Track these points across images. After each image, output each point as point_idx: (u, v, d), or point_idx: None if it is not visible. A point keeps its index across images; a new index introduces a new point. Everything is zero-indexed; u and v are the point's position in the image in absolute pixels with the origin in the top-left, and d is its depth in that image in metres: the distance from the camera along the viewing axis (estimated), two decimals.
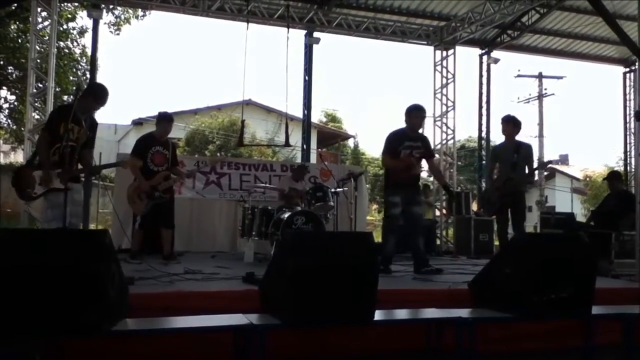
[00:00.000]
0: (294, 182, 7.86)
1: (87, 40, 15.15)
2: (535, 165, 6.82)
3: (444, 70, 11.88)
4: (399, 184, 5.83)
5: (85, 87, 5.14)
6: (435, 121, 12.07)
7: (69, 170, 4.60)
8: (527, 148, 6.57)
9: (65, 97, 13.72)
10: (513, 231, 6.49)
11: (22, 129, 13.16)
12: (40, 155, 4.71)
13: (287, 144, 9.04)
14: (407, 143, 5.82)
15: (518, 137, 6.63)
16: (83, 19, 15.24)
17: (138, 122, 22.95)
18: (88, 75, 13.27)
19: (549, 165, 7.16)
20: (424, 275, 5.57)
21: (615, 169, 17.32)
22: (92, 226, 10.21)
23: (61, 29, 13.73)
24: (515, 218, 6.38)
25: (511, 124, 6.52)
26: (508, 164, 6.42)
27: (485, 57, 12.92)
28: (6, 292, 2.76)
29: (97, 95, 4.82)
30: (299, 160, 12.63)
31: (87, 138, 4.79)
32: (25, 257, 2.81)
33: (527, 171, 6.51)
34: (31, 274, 2.79)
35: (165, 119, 6.38)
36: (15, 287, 2.77)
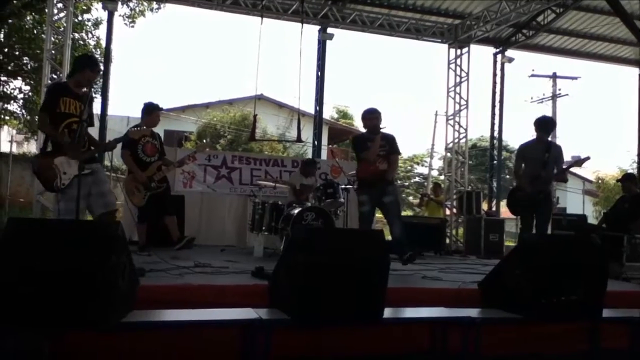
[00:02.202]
0: (303, 177, 7.85)
1: (101, 32, 15.24)
2: (567, 163, 6.65)
3: (458, 68, 11.82)
4: (364, 182, 6.17)
5: (75, 62, 4.98)
6: (447, 120, 12.03)
7: (83, 150, 4.48)
8: (558, 148, 6.40)
9: None
10: (536, 230, 6.34)
11: (36, 119, 13.26)
12: (50, 134, 4.54)
13: (298, 139, 9.03)
14: (368, 144, 6.09)
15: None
16: (98, 11, 15.33)
17: None
18: (102, 67, 13.32)
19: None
20: (407, 262, 5.89)
21: (629, 171, 17.16)
22: None
23: (76, 20, 13.81)
24: (540, 218, 6.21)
25: (544, 127, 6.37)
26: (538, 162, 6.22)
27: (499, 56, 12.86)
28: (17, 282, 2.79)
29: (93, 65, 4.74)
30: (309, 156, 12.62)
31: (87, 116, 4.61)
32: (37, 247, 2.83)
33: (555, 171, 6.40)
34: (42, 265, 2.81)
35: (155, 109, 6.34)
36: (25, 277, 2.79)
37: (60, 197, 4.50)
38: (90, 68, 4.70)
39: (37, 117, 12.84)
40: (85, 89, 4.72)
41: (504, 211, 10.81)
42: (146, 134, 6.06)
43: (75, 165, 4.42)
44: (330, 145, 22.45)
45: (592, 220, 14.29)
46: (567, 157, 7.12)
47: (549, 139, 6.53)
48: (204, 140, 18.60)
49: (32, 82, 14.98)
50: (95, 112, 4.85)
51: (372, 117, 6.20)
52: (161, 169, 6.26)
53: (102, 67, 4.87)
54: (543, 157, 6.22)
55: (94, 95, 5.53)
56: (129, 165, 6.22)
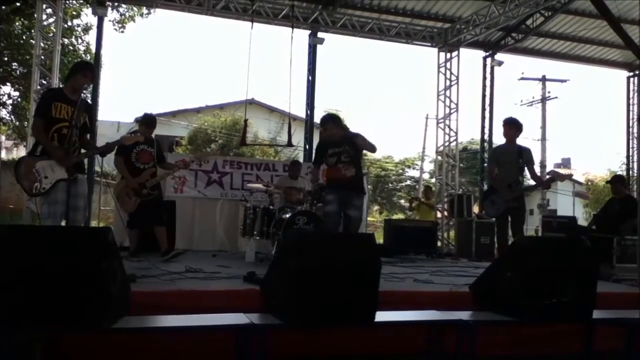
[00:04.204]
0: (291, 180, 7.88)
1: (91, 37, 15.18)
2: (552, 172, 6.78)
3: (448, 72, 11.89)
4: (332, 185, 5.92)
5: (70, 68, 5.02)
6: (438, 123, 12.09)
7: (71, 155, 4.45)
8: (529, 152, 6.53)
9: None
10: (512, 234, 6.44)
11: (25, 125, 13.20)
12: (42, 141, 4.54)
13: (289, 143, 9.05)
14: (330, 150, 5.88)
15: (518, 140, 6.60)
16: (88, 16, 15.32)
17: None
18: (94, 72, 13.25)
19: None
20: None
21: (618, 173, 17.30)
22: (93, 223, 10.22)
23: (66, 25, 13.75)
24: (516, 221, 6.32)
25: (513, 127, 6.48)
26: (514, 168, 6.35)
27: (489, 60, 12.92)
28: (9, 287, 2.77)
29: (83, 69, 4.74)
30: (301, 160, 12.64)
31: (84, 122, 4.64)
32: (28, 253, 2.82)
33: (528, 174, 6.47)
34: (34, 270, 2.79)
35: (149, 124, 6.43)
36: (17, 282, 2.78)
37: (43, 201, 4.51)
38: (82, 73, 4.70)
39: (26, 123, 12.79)
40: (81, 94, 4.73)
41: None
42: (140, 141, 6.05)
43: (60, 170, 4.42)
44: None
45: (582, 222, 14.37)
46: (556, 159, 7.27)
47: (517, 141, 6.55)
48: (207, 149, 18.65)
49: (21, 87, 14.91)
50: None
51: (324, 128, 5.94)
52: (155, 175, 6.23)
53: (94, 72, 4.86)
54: (518, 163, 6.34)
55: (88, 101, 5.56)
56: (120, 171, 6.24)
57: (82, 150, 4.74)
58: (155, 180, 6.22)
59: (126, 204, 6.15)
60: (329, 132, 5.88)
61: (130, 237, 6.36)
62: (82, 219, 4.74)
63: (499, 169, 6.51)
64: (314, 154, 6.03)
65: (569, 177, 7.04)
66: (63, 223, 4.43)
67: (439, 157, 12.27)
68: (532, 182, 7.08)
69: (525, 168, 6.52)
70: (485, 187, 13.37)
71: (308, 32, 11.27)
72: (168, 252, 6.16)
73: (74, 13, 14.74)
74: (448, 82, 11.90)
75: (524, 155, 6.41)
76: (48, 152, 4.46)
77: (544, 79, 25.78)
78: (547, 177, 6.81)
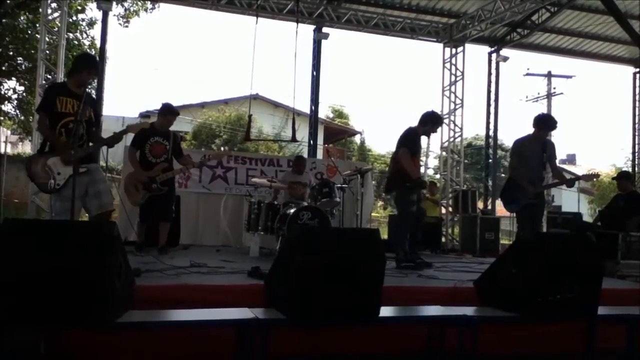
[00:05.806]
0: (296, 175, 7.87)
1: (96, 32, 15.21)
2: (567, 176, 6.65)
3: (453, 67, 11.83)
4: (417, 182, 6.14)
5: (74, 62, 4.99)
6: (443, 118, 12.02)
7: (77, 149, 4.43)
8: (552, 146, 6.36)
9: None
10: (531, 229, 6.29)
11: (30, 119, 13.24)
12: (47, 137, 4.55)
13: (293, 139, 9.03)
14: (419, 143, 6.28)
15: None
16: (92, 11, 15.32)
17: (145, 115, 23.02)
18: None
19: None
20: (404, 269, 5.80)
21: (624, 169, 17.23)
22: None
23: (71, 20, 13.77)
24: (536, 217, 6.18)
25: (545, 125, 6.32)
26: (537, 162, 6.17)
27: (494, 55, 12.87)
28: (13, 282, 2.78)
29: (88, 67, 4.73)
30: (305, 155, 12.64)
31: (90, 116, 4.66)
32: (33, 247, 2.82)
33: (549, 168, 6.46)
34: (38, 265, 2.80)
35: (169, 112, 6.31)
36: (21, 277, 2.79)
37: (55, 197, 4.50)
38: (88, 70, 4.70)
39: (31, 117, 12.84)
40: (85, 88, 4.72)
41: (500, 209, 10.83)
42: (145, 127, 5.99)
43: (71, 164, 4.41)
44: (326, 145, 22.46)
45: (587, 218, 14.33)
46: (561, 155, 7.16)
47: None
48: (223, 148, 18.71)
49: (26, 82, 14.93)
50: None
51: (438, 125, 6.36)
52: (168, 170, 6.17)
53: (98, 68, 4.86)
54: (542, 158, 6.18)
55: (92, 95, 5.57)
56: (131, 163, 6.19)
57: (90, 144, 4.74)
58: (166, 176, 6.12)
59: (133, 195, 6.08)
60: (433, 131, 6.32)
61: (138, 230, 6.34)
62: (108, 201, 4.72)
63: (522, 163, 6.24)
64: (410, 141, 6.12)
65: (596, 176, 6.83)
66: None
67: (444, 153, 12.24)
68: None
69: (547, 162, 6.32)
70: (490, 182, 13.39)
71: (313, 27, 11.25)
72: (164, 249, 6.15)
73: (79, 8, 14.76)
74: (453, 78, 11.84)
75: (548, 149, 6.23)
76: (54, 146, 4.47)
77: (549, 75, 25.66)
78: (572, 176, 6.59)
